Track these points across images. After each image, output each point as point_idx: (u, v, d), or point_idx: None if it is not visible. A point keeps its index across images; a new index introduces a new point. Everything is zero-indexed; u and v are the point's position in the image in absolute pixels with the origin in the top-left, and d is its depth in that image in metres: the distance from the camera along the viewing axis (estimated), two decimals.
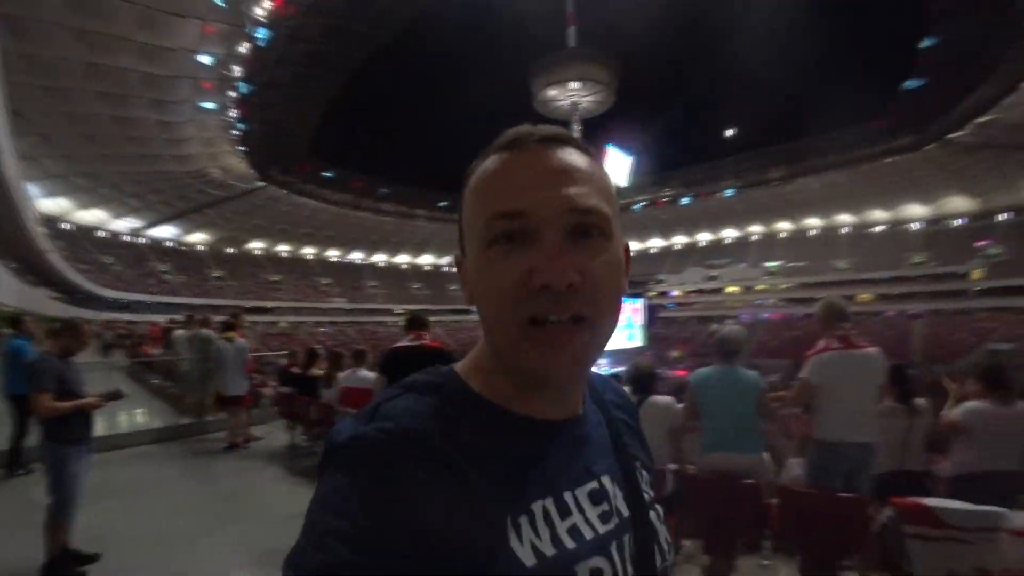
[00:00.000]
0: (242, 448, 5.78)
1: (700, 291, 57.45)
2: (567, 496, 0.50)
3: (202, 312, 10.14)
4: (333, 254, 63.81)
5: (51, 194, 37.85)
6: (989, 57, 30.60)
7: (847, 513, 2.41)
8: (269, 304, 50.61)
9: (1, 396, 4.95)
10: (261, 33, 30.31)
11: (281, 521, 3.73)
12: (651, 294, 51.76)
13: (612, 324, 0.50)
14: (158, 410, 7.42)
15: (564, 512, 0.48)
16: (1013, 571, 2.08)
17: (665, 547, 0.56)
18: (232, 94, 34.43)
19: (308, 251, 61.71)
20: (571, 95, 41.92)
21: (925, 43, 32.29)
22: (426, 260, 69.67)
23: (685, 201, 59.13)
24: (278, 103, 38.60)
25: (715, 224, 61.37)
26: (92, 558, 3.07)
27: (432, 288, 65.28)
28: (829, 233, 54.60)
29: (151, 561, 3.18)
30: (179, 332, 8.35)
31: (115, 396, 3.21)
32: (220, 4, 26.65)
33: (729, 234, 61.28)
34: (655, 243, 67.16)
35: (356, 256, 65.46)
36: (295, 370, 6.15)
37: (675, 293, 58.27)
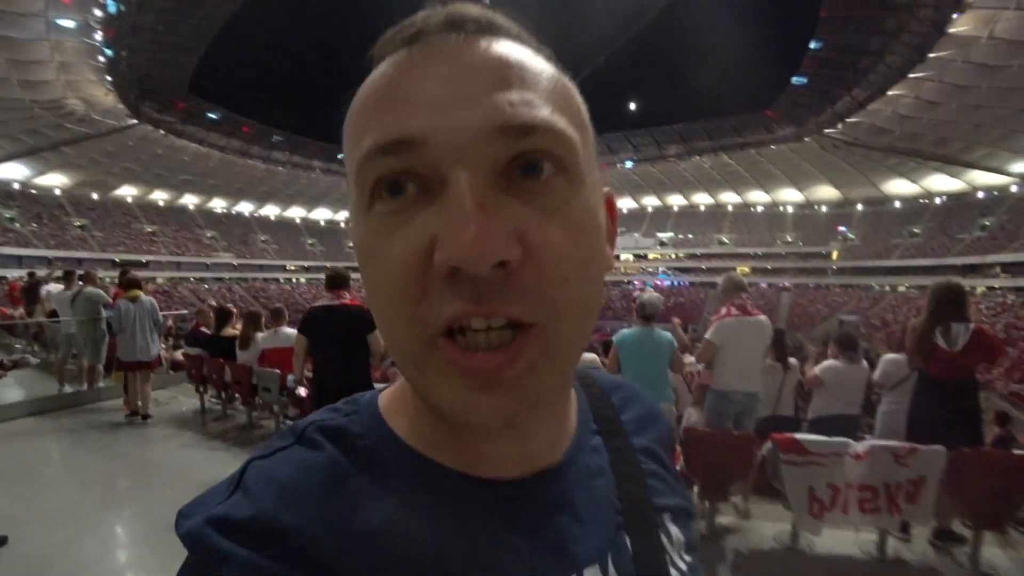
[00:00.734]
0: (143, 417, 5.31)
1: None
2: None
3: (64, 265, 9.03)
4: (218, 205, 58.22)
5: None
6: (862, 66, 34.69)
7: (738, 448, 2.95)
8: (144, 258, 45.54)
9: None
10: None
11: (199, 488, 3.66)
12: None
13: (581, 329, 0.30)
14: (30, 379, 6.63)
15: None
16: (853, 484, 2.72)
17: None
18: (98, 12, 29.67)
19: (189, 200, 55.84)
20: None
21: (813, 45, 35.65)
22: (322, 215, 65.71)
23: None
24: (154, 28, 33.93)
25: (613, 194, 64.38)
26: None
27: (327, 244, 62.12)
28: (716, 210, 59.35)
29: (61, 544, 2.95)
30: (53, 289, 7.47)
31: (21, 364, 2.96)
32: None
33: (626, 204, 64.41)
34: None
35: (244, 208, 60.35)
36: (205, 331, 5.81)
37: None
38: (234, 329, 5.44)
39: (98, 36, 31.33)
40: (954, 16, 26.46)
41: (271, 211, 62.16)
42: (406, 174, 0.28)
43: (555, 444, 0.37)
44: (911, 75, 32.17)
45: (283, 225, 62.62)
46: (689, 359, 4.21)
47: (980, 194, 41.85)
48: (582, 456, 0.39)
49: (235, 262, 52.79)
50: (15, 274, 27.05)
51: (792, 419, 3.90)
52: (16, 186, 43.97)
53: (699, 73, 64.04)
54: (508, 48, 0.30)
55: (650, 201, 62.46)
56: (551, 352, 0.28)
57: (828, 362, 3.82)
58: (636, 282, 53.31)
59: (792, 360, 4.03)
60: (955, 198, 43.67)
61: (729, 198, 58.19)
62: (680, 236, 57.74)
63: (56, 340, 6.73)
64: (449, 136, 0.27)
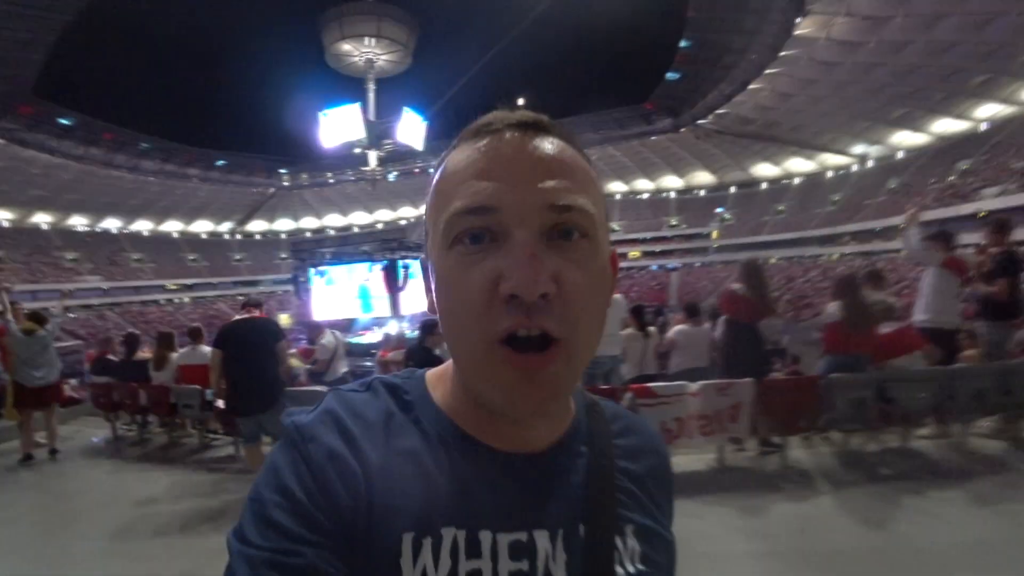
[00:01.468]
0: (42, 457, 4.92)
1: None
2: (483, 535, 0.43)
3: None
4: (79, 222, 51.94)
5: None
6: (727, 63, 38.50)
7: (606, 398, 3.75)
8: None
9: None
10: None
11: (141, 506, 3.81)
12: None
13: (591, 348, 0.43)
14: None
15: (473, 551, 0.42)
16: (693, 415, 3.61)
17: None
18: None
19: (42, 219, 49.26)
20: (366, 52, 40.35)
21: (684, 44, 38.95)
22: (203, 227, 60.87)
23: None
24: None
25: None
26: None
27: (211, 259, 57.64)
28: (606, 198, 63.16)
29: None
30: None
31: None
32: None
33: None
34: None
35: (111, 224, 54.30)
36: (112, 358, 5.71)
37: None
38: (145, 353, 5.45)
39: None
40: (798, 20, 30.34)
41: (143, 226, 56.36)
42: (484, 229, 0.41)
43: (547, 438, 0.49)
44: (767, 71, 36.43)
45: (159, 241, 57.08)
46: None
47: (830, 173, 48.04)
48: (565, 455, 0.49)
49: (104, 286, 47.10)
50: None
51: (655, 375, 4.82)
52: None
53: (583, 68, 67.25)
54: (555, 145, 0.44)
55: None
56: (571, 358, 0.41)
57: (678, 327, 4.80)
58: None
59: (651, 329, 4.99)
60: (810, 178, 49.77)
61: (617, 187, 61.82)
62: None
63: None
64: (515, 207, 0.40)
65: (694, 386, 3.67)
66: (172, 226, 58.38)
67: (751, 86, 39.06)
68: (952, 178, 33.51)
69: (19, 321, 5.01)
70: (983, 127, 34.36)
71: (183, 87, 63.46)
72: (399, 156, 40.49)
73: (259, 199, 61.24)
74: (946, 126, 36.51)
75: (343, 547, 0.40)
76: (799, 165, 50.21)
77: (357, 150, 27.32)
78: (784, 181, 52.21)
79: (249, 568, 0.38)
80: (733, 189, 55.70)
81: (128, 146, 48.11)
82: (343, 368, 5.86)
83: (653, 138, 52.11)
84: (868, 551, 2.72)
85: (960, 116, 35.07)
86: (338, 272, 13.00)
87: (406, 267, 12.04)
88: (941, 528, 2.85)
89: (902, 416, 3.88)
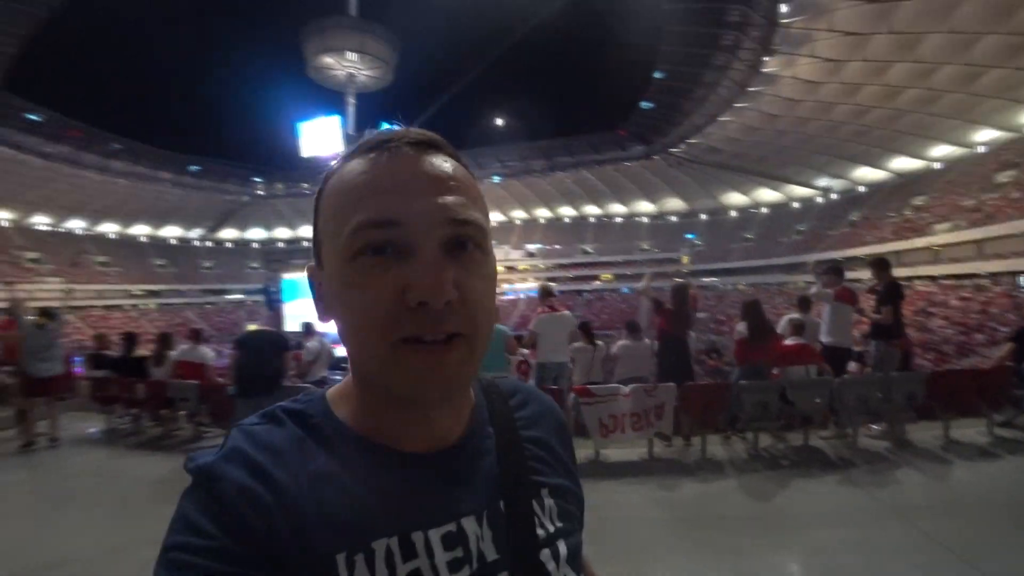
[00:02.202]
0: (44, 443, 5.32)
1: None
2: (416, 536, 0.45)
3: None
4: (41, 221, 50.49)
5: None
6: (698, 95, 40.41)
7: (556, 400, 4.45)
8: None
9: None
10: None
11: (156, 485, 4.21)
12: None
13: (487, 342, 0.47)
14: None
15: (408, 554, 0.44)
16: (625, 412, 4.34)
17: None
18: None
19: (2, 216, 47.76)
20: (348, 66, 40.95)
21: (657, 75, 40.71)
22: (172, 232, 59.85)
23: None
24: None
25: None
26: None
27: (179, 266, 56.63)
28: (579, 221, 64.28)
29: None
30: None
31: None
32: None
33: (495, 217, 66.99)
34: None
35: (75, 224, 52.93)
36: (110, 353, 6.15)
37: None
38: (143, 350, 5.92)
39: None
40: (765, 59, 32.28)
41: (110, 228, 55.14)
42: (387, 241, 0.43)
43: (454, 430, 0.52)
44: (736, 104, 38.38)
45: (125, 244, 55.88)
46: (523, 351, 5.75)
47: (795, 204, 50.14)
48: (475, 441, 0.53)
49: (63, 287, 45.77)
50: None
51: (601, 383, 5.56)
52: None
53: (560, 93, 69.17)
54: (449, 163, 0.48)
55: (518, 214, 65.76)
56: (471, 350, 0.45)
57: (621, 341, 5.59)
58: (509, 293, 55.62)
59: (599, 342, 5.77)
60: (777, 208, 51.84)
61: (591, 210, 63.29)
62: (547, 247, 61.67)
63: None
64: (417, 221, 0.44)
65: (626, 388, 4.41)
66: (140, 230, 57.24)
67: (720, 118, 41.00)
68: (907, 213, 35.64)
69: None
70: (936, 166, 36.73)
71: (159, 89, 62.79)
72: None
73: (231, 207, 60.54)
74: (903, 164, 38.89)
75: None
76: (767, 195, 52.38)
77: (334, 162, 27.83)
78: (752, 210, 54.30)
79: None
80: (703, 216, 57.67)
81: (97, 145, 47.18)
82: (321, 372, 6.38)
83: (627, 164, 53.79)
84: (748, 517, 3.50)
85: (915, 156, 37.50)
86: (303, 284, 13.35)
87: None
88: (809, 501, 3.64)
89: (801, 417, 4.68)
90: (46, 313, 5.48)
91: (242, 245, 63.83)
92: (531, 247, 61.83)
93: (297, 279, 13.43)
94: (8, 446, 5.26)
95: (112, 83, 57.83)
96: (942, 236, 29.88)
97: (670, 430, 4.55)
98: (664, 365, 5.04)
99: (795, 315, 5.25)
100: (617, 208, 62.02)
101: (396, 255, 0.43)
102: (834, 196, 46.76)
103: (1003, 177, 28.80)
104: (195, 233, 61.31)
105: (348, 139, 26.81)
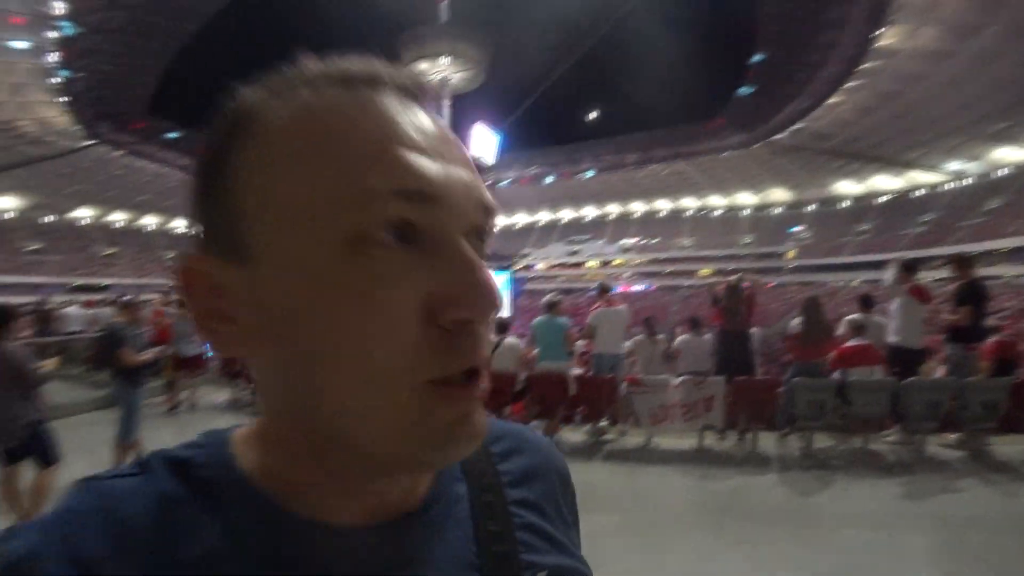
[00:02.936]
0: (185, 408, 6.70)
1: (563, 265, 62.40)
2: None
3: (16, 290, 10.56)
4: (179, 225, 58.06)
5: None
6: (802, 77, 37.86)
7: (608, 388, 4.78)
8: (103, 281, 45.02)
9: None
10: None
11: None
12: (516, 268, 55.11)
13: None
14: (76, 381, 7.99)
15: None
16: (675, 403, 4.56)
17: None
18: (52, 34, 30.02)
19: (149, 221, 55.53)
20: (442, 71, 42.71)
21: (756, 58, 38.60)
22: None
23: (549, 180, 63.36)
24: (111, 50, 34.30)
25: (577, 202, 66.56)
26: None
27: None
28: (676, 215, 62.34)
29: None
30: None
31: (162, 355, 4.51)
32: None
33: (589, 212, 66.88)
34: (521, 219, 71.02)
35: None
36: None
37: (539, 266, 62.55)
38: None
39: (52, 57, 31.55)
40: (879, 31, 29.47)
41: None
42: (410, 225, 0.28)
43: (412, 490, 0.35)
44: (846, 84, 35.39)
45: None
46: (580, 343, 6.09)
47: (919, 192, 45.38)
48: (440, 506, 0.36)
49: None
50: None
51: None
52: None
53: (653, 85, 67.22)
54: (447, 127, 0.32)
55: (613, 208, 64.98)
56: (482, 389, 0.30)
57: (682, 336, 5.74)
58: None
59: (660, 336, 5.97)
60: (897, 196, 47.31)
61: (688, 203, 61.14)
62: (643, 241, 60.29)
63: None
64: (456, 203, 0.29)
65: (676, 379, 4.63)
66: None
67: (829, 100, 38.01)
68: None
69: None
70: None
71: None
72: None
73: None
74: None
75: None
76: (885, 182, 47.76)
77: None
78: (867, 199, 49.82)
79: None
80: (811, 207, 53.82)
81: None
82: None
83: (725, 154, 51.40)
84: (781, 510, 3.62)
85: None
86: None
87: None
88: (849, 502, 3.65)
89: (860, 420, 4.60)
90: (183, 304, 6.71)
91: None
92: (626, 242, 60.87)
93: None
94: (158, 409, 6.54)
95: None
96: None
97: (719, 423, 4.69)
98: (718, 359, 5.21)
99: (855, 315, 5.11)
100: (716, 200, 59.43)
101: (418, 248, 0.28)
102: (967, 181, 41.56)
103: None
104: None
105: None
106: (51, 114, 36.88)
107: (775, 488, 3.99)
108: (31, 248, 44.84)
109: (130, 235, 53.54)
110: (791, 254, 50.55)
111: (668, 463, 4.43)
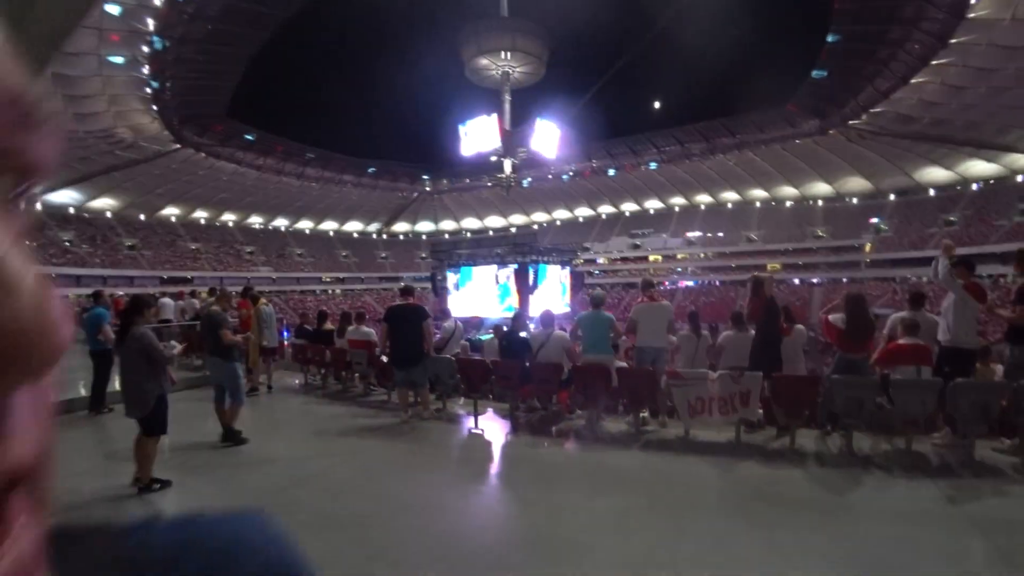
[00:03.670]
0: (263, 391, 7.49)
1: (625, 259, 61.46)
2: None
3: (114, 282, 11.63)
4: (256, 221, 61.88)
5: None
6: (882, 56, 34.86)
7: (650, 380, 5.00)
8: (188, 274, 48.85)
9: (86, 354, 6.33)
10: None
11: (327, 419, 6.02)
12: (578, 262, 54.23)
13: None
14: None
15: None
16: (713, 396, 4.72)
17: None
18: (144, 49, 32.74)
19: (229, 218, 59.54)
20: (503, 65, 43.04)
21: (830, 38, 36.08)
22: (353, 227, 68.97)
23: (611, 172, 62.39)
24: (194, 60, 36.89)
25: (639, 195, 65.15)
26: (244, 440, 5.01)
27: (360, 256, 65.12)
28: (743, 207, 59.61)
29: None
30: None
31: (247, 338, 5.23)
32: None
33: (652, 205, 65.37)
34: (582, 212, 70.37)
35: (280, 223, 63.87)
36: (307, 327, 8.20)
37: (601, 261, 61.97)
38: (331, 325, 7.78)
39: (144, 70, 34.37)
40: (972, 1, 26.92)
41: (305, 225, 65.42)
42: None
43: None
44: (934, 62, 32.47)
45: (317, 238, 65.80)
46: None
47: (1019, 178, 40.71)
48: None
49: (273, 275, 55.47)
50: (75, 292, 30.09)
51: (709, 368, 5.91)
52: (71, 210, 47.80)
53: (718, 71, 64.60)
54: None
55: (677, 201, 63.12)
56: None
57: (726, 332, 5.83)
58: (665, 283, 53.06)
59: (704, 332, 6.07)
60: (992, 183, 42.81)
61: (757, 194, 58.44)
62: (708, 235, 58.24)
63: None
64: None
65: (713, 373, 4.78)
66: (328, 225, 66.94)
67: (913, 80, 35.05)
68: None
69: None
70: None
71: (341, 103, 72.57)
72: (533, 163, 42.48)
73: (404, 202, 67.80)
74: None
75: None
76: (979, 168, 43.34)
77: (493, 158, 29.30)
78: (958, 187, 45.68)
79: None
80: (892, 197, 50.02)
81: (295, 156, 56.10)
82: (455, 349, 7.55)
83: (797, 141, 48.74)
84: (806, 501, 3.71)
85: None
86: (473, 272, 14.33)
87: (536, 270, 13.23)
88: (881, 499, 3.68)
89: (905, 420, 4.52)
90: (256, 298, 7.56)
91: (413, 237, 71.03)
92: (691, 235, 59.16)
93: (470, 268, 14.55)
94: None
95: (301, 101, 68.68)
96: None
97: (756, 417, 4.80)
98: (754, 354, 5.24)
99: (905, 313, 4.99)
100: (786, 191, 56.37)
101: None
102: None
103: None
104: (373, 227, 69.81)
105: (504, 136, 28.39)
106: (143, 121, 40.25)
107: (805, 481, 4.07)
108: (128, 244, 49.28)
109: (211, 231, 57.62)
110: (869, 247, 47.10)
111: (703, 454, 4.60)
